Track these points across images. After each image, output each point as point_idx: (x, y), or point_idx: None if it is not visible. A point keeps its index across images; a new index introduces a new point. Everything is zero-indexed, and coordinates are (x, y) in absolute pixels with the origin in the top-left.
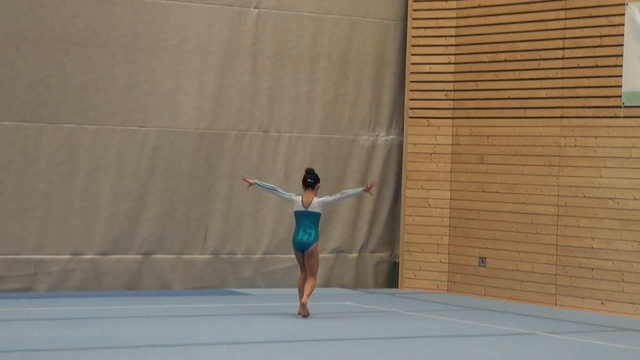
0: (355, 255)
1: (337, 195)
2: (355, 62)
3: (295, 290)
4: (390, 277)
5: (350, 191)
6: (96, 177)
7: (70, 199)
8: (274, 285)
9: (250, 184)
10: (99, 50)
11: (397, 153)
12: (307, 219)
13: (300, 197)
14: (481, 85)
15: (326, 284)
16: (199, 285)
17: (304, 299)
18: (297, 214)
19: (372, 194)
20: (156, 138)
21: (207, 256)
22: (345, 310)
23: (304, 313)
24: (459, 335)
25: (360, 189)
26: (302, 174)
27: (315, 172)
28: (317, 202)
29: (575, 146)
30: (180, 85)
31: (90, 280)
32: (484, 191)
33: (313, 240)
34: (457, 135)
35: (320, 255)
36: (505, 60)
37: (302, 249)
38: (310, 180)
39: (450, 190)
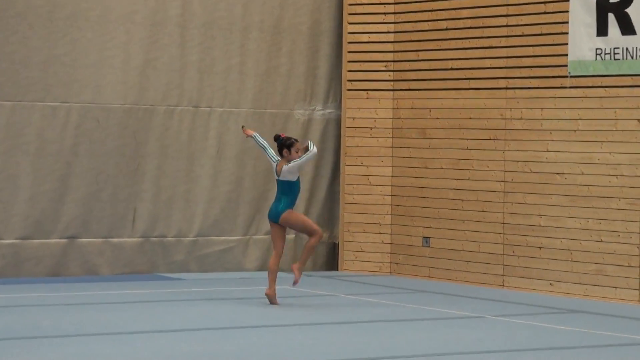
0: (292, 236)
1: (304, 157)
2: (289, 32)
3: (230, 275)
4: (330, 259)
5: (309, 154)
6: (14, 156)
7: None
8: (208, 270)
9: (248, 135)
10: (16, 21)
11: (335, 128)
12: (278, 188)
13: (276, 162)
14: (422, 56)
15: (262, 267)
16: (128, 270)
17: (298, 266)
18: (276, 182)
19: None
20: (79, 114)
21: (136, 239)
22: (282, 295)
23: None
24: (403, 320)
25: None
26: (235, 150)
27: (284, 136)
28: (286, 169)
29: (521, 119)
30: (104, 57)
31: (10, 267)
32: (427, 167)
33: (282, 208)
34: (398, 108)
35: (256, 237)
36: (447, 29)
37: (274, 220)
38: (279, 149)
39: (392, 166)
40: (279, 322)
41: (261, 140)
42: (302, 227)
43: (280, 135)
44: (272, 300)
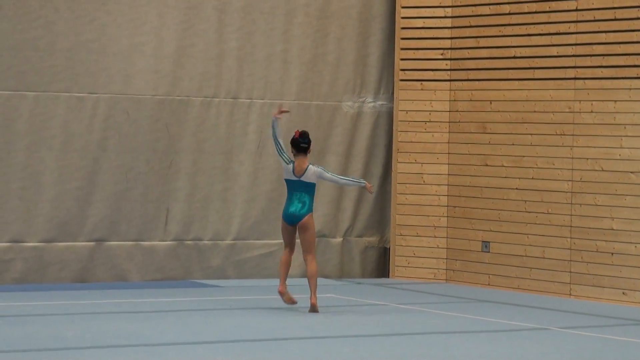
0: (339, 240)
1: (337, 177)
2: (337, 16)
3: (271, 282)
4: (380, 265)
5: (351, 180)
6: (38, 151)
7: (8, 177)
8: (247, 276)
9: (279, 116)
10: (40, 5)
11: (387, 121)
12: (300, 189)
13: (292, 164)
14: (482, 43)
15: (306, 274)
16: (159, 276)
17: (314, 299)
18: (289, 183)
19: (371, 192)
20: (108, 106)
21: (168, 243)
22: (329, 304)
23: (314, 311)
24: (460, 332)
25: (364, 182)
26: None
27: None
28: (313, 172)
29: (592, 112)
30: (135, 44)
31: (33, 272)
32: (486, 165)
33: (306, 211)
34: (455, 100)
35: (299, 241)
36: (510, 13)
37: (294, 222)
38: (304, 145)
39: (448, 164)
40: (324, 334)
41: (277, 129)
42: (313, 237)
43: (307, 133)
44: (287, 298)
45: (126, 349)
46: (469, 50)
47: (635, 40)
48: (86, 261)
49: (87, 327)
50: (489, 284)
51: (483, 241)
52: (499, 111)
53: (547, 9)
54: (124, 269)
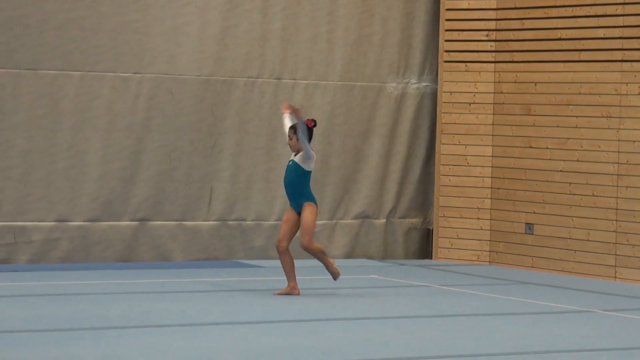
0: (382, 221)
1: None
2: None
3: (314, 262)
4: (423, 247)
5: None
6: (83, 131)
7: (53, 157)
8: None
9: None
10: None
11: (431, 103)
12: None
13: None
14: (528, 24)
15: (350, 255)
16: (203, 256)
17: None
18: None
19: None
20: (152, 86)
21: (212, 223)
22: (372, 285)
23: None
24: (503, 314)
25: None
26: (321, 126)
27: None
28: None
29: (639, 94)
30: (179, 24)
31: (78, 251)
32: (531, 147)
33: None
34: (499, 82)
35: (343, 222)
36: None
37: None
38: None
39: (492, 145)
40: (367, 315)
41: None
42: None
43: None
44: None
45: (169, 329)
46: (514, 32)
47: None
48: (130, 241)
49: (130, 306)
50: (532, 266)
51: (527, 223)
52: (543, 93)
53: None
54: (168, 248)
